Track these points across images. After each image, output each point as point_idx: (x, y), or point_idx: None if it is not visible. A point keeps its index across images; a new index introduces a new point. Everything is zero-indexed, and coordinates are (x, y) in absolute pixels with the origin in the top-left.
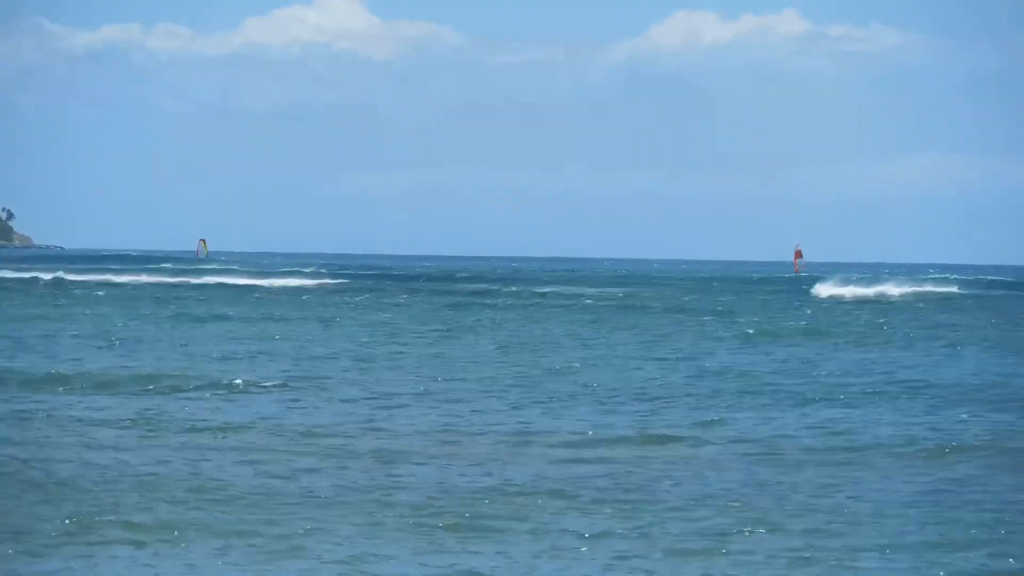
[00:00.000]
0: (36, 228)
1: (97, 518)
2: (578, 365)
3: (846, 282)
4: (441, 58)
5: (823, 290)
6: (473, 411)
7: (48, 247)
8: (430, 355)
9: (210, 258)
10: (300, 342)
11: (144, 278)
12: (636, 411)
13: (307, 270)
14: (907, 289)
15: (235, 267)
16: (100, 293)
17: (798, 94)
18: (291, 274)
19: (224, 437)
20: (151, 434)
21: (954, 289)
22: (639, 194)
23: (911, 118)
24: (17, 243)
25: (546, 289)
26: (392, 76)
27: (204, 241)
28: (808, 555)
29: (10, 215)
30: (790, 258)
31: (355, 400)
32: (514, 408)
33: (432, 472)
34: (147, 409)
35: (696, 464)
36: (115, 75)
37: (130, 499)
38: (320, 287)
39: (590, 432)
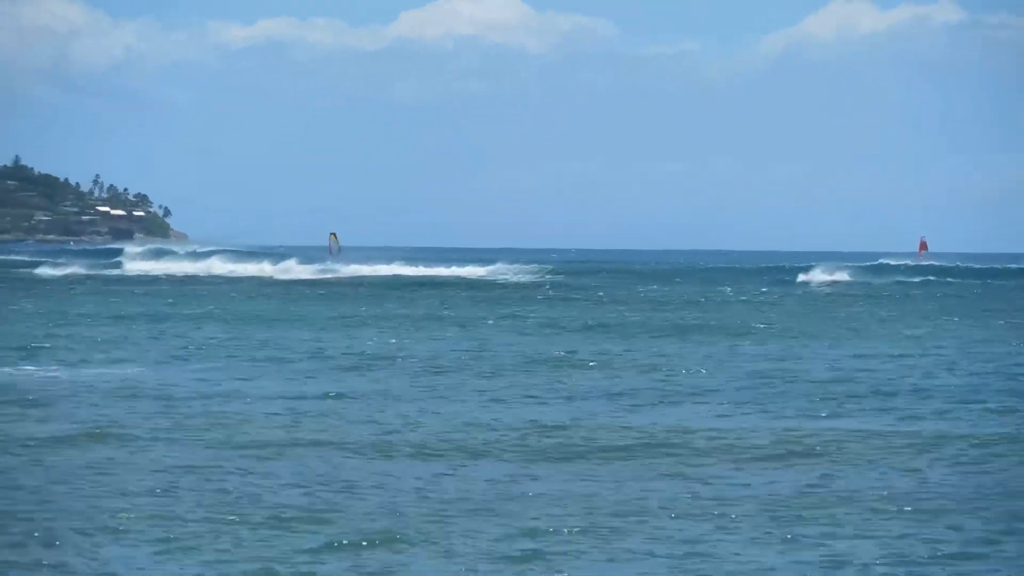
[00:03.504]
0: (192, 224)
1: None
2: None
3: (831, 270)
4: (594, 49)
5: (808, 277)
6: None
7: (205, 244)
8: None
9: (343, 253)
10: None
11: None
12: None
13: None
14: (832, 277)
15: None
16: (166, 287)
17: (953, 84)
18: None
19: None
20: None
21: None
22: (788, 185)
23: None
24: (173, 240)
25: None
26: (544, 68)
27: (335, 235)
28: None
29: (167, 212)
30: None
31: None
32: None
33: None
34: None
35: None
36: (270, 69)
37: None
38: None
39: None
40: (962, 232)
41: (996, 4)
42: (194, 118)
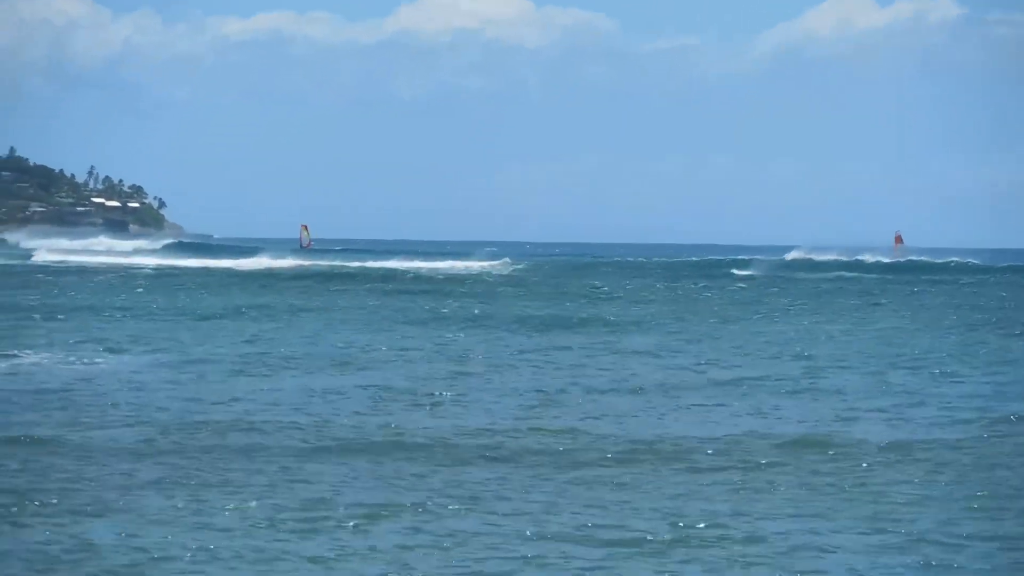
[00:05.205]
0: (187, 217)
1: None
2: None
3: (747, 266)
4: (593, 45)
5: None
6: None
7: (198, 236)
8: None
9: (315, 247)
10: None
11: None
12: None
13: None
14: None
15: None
16: (72, 279)
17: (951, 80)
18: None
19: None
20: None
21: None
22: (787, 181)
23: None
24: (168, 231)
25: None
26: (543, 63)
27: (306, 227)
28: None
29: (162, 204)
30: (911, 243)
31: None
32: None
33: None
34: None
35: None
36: (268, 63)
37: None
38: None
39: None
40: (959, 228)
41: (995, 0)
42: (192, 111)
